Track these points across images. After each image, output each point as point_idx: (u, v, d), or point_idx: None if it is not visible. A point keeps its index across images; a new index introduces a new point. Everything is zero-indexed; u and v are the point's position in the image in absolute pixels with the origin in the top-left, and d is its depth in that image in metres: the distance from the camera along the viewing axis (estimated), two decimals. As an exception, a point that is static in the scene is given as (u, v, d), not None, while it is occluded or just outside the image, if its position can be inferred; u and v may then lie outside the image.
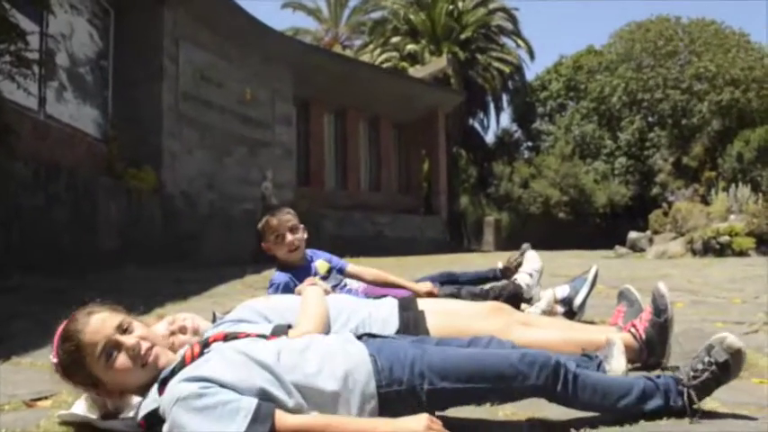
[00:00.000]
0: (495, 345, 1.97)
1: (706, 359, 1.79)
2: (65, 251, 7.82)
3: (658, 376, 1.85)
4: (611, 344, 2.12)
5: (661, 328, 2.39)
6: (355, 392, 1.65)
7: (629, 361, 2.39)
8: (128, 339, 1.74)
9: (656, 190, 24.98)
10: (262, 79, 14.35)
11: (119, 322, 1.75)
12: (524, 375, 1.69)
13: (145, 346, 1.76)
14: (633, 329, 2.42)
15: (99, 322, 1.74)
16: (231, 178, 13.06)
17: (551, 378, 1.70)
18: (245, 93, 13.71)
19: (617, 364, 2.04)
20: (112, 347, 1.72)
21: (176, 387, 1.60)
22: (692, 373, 1.79)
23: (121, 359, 1.72)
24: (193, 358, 1.72)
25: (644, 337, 2.39)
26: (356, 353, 1.74)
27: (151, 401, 1.68)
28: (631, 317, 2.63)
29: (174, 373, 1.69)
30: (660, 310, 2.39)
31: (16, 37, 6.61)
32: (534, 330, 2.41)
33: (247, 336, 1.88)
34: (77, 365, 1.73)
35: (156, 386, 1.71)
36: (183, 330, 2.29)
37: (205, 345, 1.79)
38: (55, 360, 1.77)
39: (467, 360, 1.73)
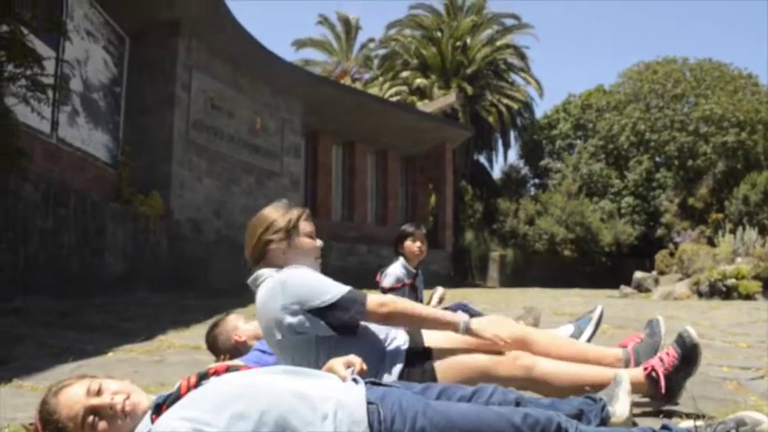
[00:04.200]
0: (499, 395, 1.94)
1: (732, 431, 1.76)
2: (71, 274, 7.84)
3: (664, 426, 1.81)
4: (617, 383, 2.09)
5: (686, 376, 2.35)
6: (340, 428, 1.64)
7: (641, 394, 2.37)
8: (102, 400, 1.74)
9: (661, 230, 24.92)
10: (272, 110, 14.50)
11: (87, 388, 1.75)
12: None
13: (120, 399, 1.76)
14: (654, 374, 2.33)
15: (68, 396, 1.74)
16: (238, 207, 13.11)
17: None
18: (256, 122, 13.83)
19: (621, 408, 2.00)
20: (90, 413, 1.72)
21: (166, 422, 1.61)
22: None
23: (103, 421, 1.73)
24: (189, 389, 1.73)
25: (665, 383, 2.32)
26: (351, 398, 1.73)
27: (144, 427, 1.70)
28: (645, 349, 2.57)
29: (167, 400, 1.70)
30: (690, 359, 2.34)
31: (32, 62, 6.71)
32: (548, 364, 2.38)
33: (248, 368, 1.89)
34: None
35: (149, 412, 1.72)
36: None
37: (203, 376, 1.79)
38: None
39: (470, 418, 1.71)
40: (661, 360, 2.37)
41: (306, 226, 2.45)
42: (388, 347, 2.37)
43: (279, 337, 2.32)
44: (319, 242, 2.50)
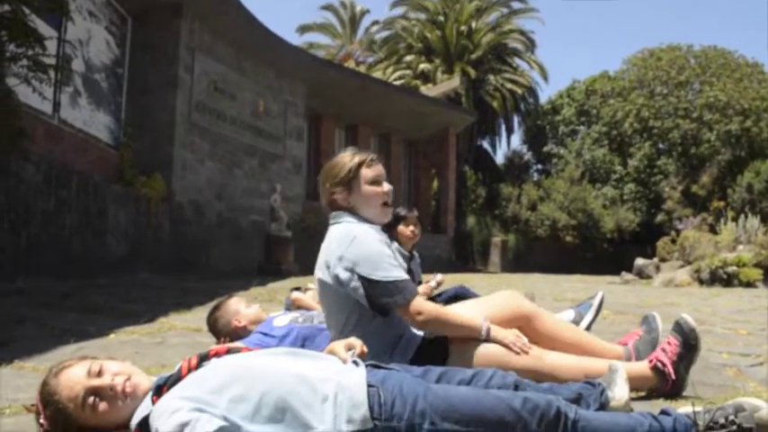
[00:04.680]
0: (498, 379, 1.94)
1: (730, 417, 1.75)
2: (73, 256, 7.85)
3: (663, 411, 1.82)
4: (613, 370, 2.09)
5: (689, 363, 2.37)
6: (340, 411, 1.64)
7: (649, 390, 2.38)
8: (102, 381, 1.74)
9: (663, 217, 24.88)
10: (275, 92, 14.44)
11: (87, 369, 1.75)
12: (525, 422, 1.67)
13: (121, 380, 1.76)
14: (660, 364, 2.35)
15: (69, 377, 1.74)
16: (240, 189, 13.12)
17: (552, 425, 1.68)
18: (259, 105, 13.79)
19: (620, 392, 2.01)
20: (90, 394, 1.72)
21: (167, 402, 1.62)
22: (710, 423, 1.75)
23: (104, 402, 1.73)
24: (190, 370, 1.73)
25: (674, 373, 2.34)
26: (351, 381, 1.73)
27: (145, 408, 1.70)
28: (645, 346, 2.58)
29: (168, 381, 1.71)
30: (691, 345, 2.37)
31: (34, 42, 6.66)
32: (555, 356, 2.39)
33: (249, 351, 1.90)
34: (68, 423, 1.73)
35: (150, 393, 1.73)
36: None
37: (204, 358, 1.80)
38: (46, 424, 1.76)
39: (470, 402, 1.71)
40: (663, 351, 2.38)
41: (368, 172, 2.48)
42: (407, 332, 2.40)
43: (326, 279, 2.39)
44: (386, 187, 2.50)
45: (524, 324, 2.52)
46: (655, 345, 2.60)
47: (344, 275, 2.31)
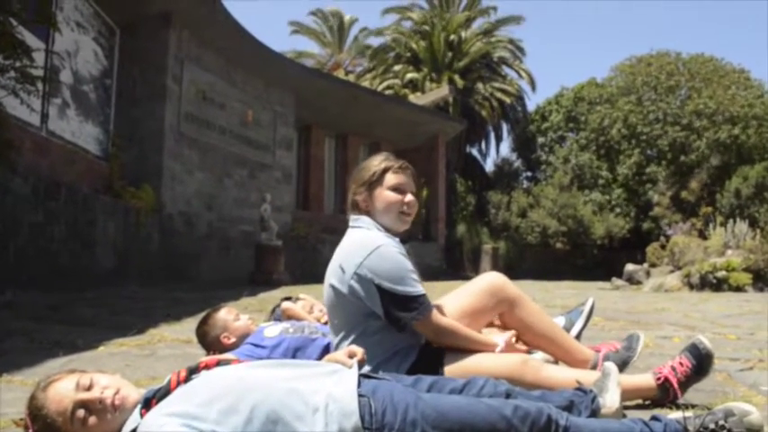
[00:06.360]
0: (490, 387, 1.94)
1: (720, 422, 1.76)
2: (62, 268, 7.80)
3: (653, 417, 1.83)
4: (606, 374, 2.09)
5: (695, 383, 2.38)
6: (331, 421, 1.64)
7: (647, 399, 2.36)
8: (92, 395, 1.73)
9: (653, 223, 24.98)
10: (264, 102, 14.45)
11: (76, 382, 1.74)
12: (516, 430, 1.68)
13: (110, 393, 1.74)
14: (667, 383, 2.32)
15: (57, 391, 1.73)
16: (230, 200, 13.09)
17: None
18: (248, 115, 13.79)
19: (611, 399, 2.01)
20: (79, 407, 1.71)
21: (155, 418, 1.60)
22: (700, 428, 1.76)
23: (93, 416, 1.72)
24: (179, 383, 1.72)
25: (680, 395, 2.33)
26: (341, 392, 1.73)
27: (133, 421, 1.69)
28: (616, 360, 2.56)
29: (157, 394, 1.70)
30: (704, 370, 2.36)
31: (22, 53, 6.65)
32: (552, 369, 2.39)
33: (240, 362, 1.89)
34: None
35: (139, 406, 1.72)
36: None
37: (194, 370, 1.79)
38: None
39: (461, 410, 1.71)
40: (673, 369, 2.35)
41: (392, 178, 2.44)
42: (403, 348, 2.36)
43: (337, 284, 2.34)
44: (408, 197, 2.45)
45: (507, 310, 2.55)
46: (626, 363, 2.60)
47: (361, 284, 2.27)
